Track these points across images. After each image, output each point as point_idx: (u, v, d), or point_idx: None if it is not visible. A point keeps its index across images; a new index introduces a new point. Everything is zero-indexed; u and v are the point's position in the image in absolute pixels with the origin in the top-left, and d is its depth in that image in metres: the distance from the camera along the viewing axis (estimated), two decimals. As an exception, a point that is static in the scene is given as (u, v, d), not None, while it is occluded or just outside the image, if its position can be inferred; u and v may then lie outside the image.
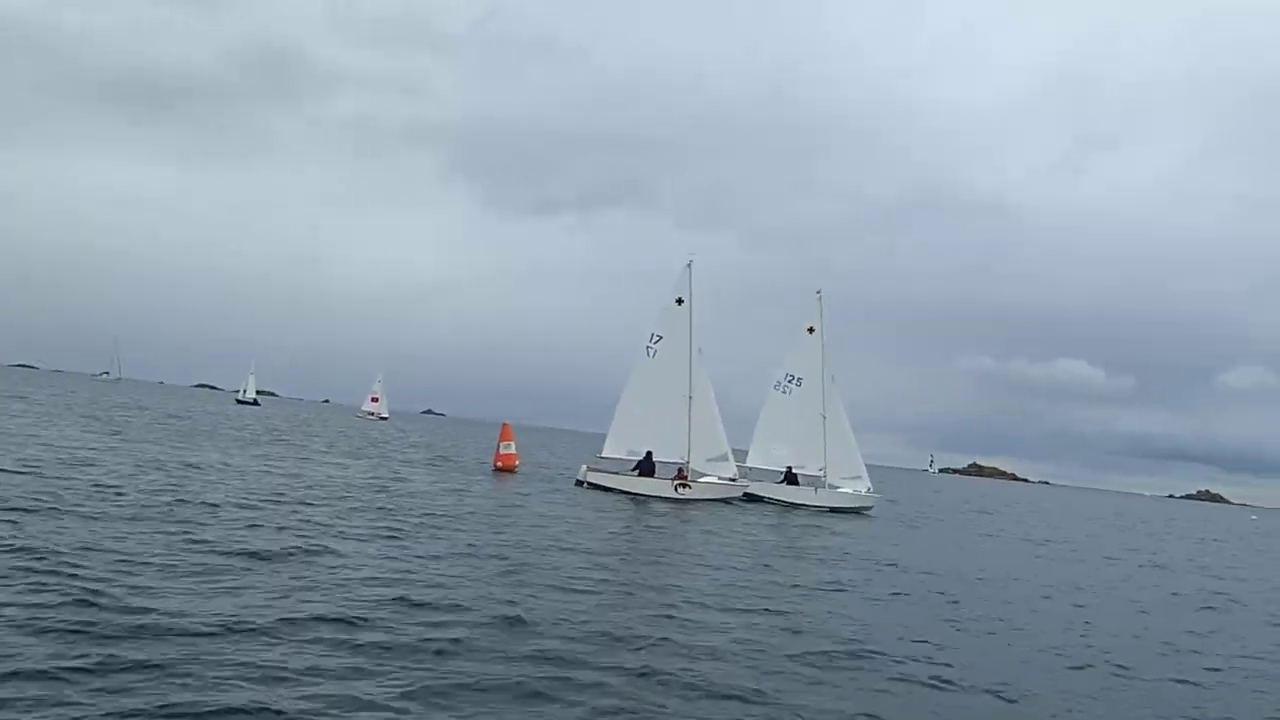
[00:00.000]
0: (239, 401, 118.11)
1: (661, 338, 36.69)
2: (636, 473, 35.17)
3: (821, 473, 36.60)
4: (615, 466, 35.85)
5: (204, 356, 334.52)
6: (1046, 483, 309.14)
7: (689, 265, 37.21)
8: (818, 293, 37.92)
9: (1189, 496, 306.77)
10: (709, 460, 36.23)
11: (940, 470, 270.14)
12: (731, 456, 36.54)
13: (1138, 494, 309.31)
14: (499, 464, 39.49)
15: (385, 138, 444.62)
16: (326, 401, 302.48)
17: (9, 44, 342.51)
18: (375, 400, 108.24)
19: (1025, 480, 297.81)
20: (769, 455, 36.83)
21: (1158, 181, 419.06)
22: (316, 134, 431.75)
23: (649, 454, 35.31)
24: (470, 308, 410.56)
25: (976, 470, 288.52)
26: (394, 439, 63.75)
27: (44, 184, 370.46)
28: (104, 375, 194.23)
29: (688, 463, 35.60)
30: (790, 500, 36.04)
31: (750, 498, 36.05)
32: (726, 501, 35.03)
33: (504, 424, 41.28)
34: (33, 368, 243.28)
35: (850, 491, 36.91)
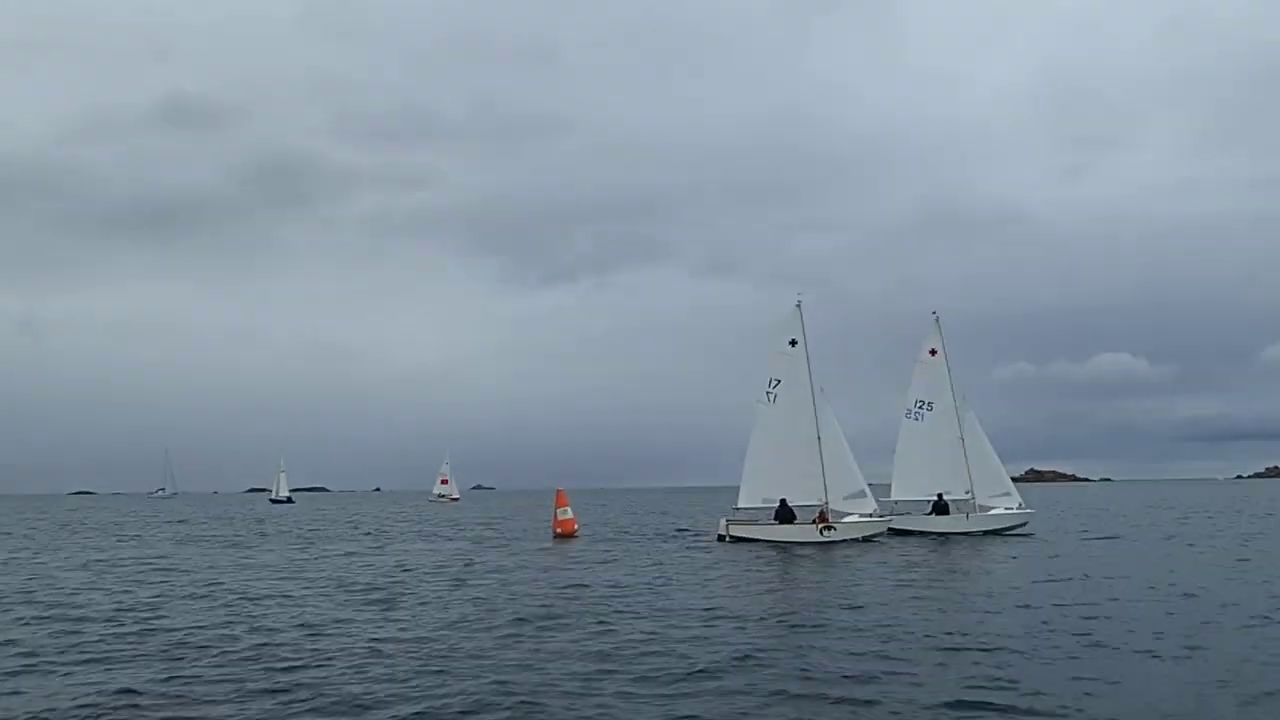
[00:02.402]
0: (273, 501, 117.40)
1: (780, 381, 36.52)
2: (776, 521, 34.87)
3: (969, 495, 36.04)
4: (750, 517, 35.57)
5: (251, 461, 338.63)
6: (1108, 479, 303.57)
7: (798, 305, 37.23)
8: (934, 315, 37.75)
9: (1257, 475, 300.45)
10: (846, 498, 35.75)
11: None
12: (870, 492, 36.09)
13: (1209, 479, 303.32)
14: (559, 530, 39.40)
15: (399, 230, 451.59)
16: (378, 490, 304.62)
17: (15, 184, 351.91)
18: (445, 482, 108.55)
19: (1086, 480, 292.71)
20: (913, 486, 36.38)
21: (1160, 173, 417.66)
22: (331, 235, 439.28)
23: (783, 501, 35.01)
24: (500, 381, 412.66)
25: (1035, 476, 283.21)
26: (484, 519, 63.52)
27: (66, 316, 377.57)
28: (160, 492, 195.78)
29: (826, 503, 35.23)
30: (941, 530, 35.48)
31: (896, 532, 35.56)
32: (870, 539, 34.56)
33: (559, 490, 41.53)
34: (91, 493, 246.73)
35: (1002, 511, 36.29)
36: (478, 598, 18.90)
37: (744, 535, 34.50)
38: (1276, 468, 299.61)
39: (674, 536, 39.77)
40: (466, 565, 26.90)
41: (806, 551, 30.96)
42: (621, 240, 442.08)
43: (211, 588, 21.31)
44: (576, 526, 40.51)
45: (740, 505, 35.75)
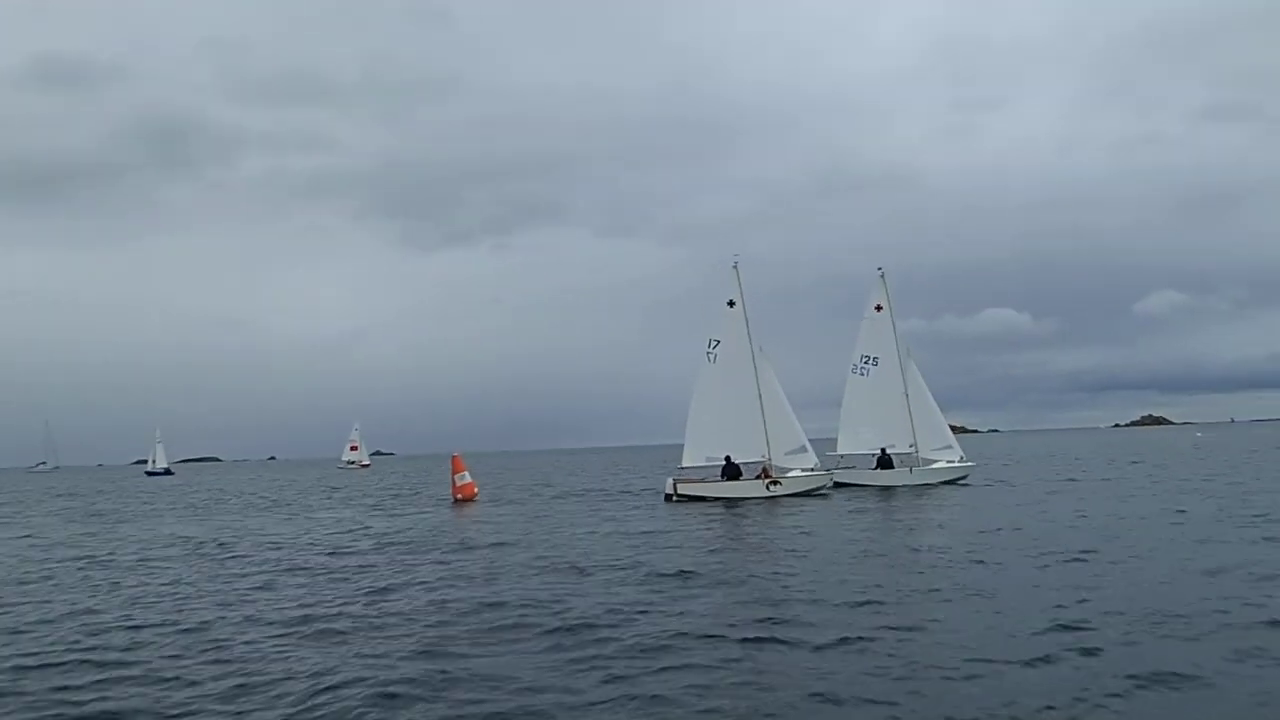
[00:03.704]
0: (149, 474, 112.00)
1: (720, 341, 36.28)
2: (723, 478, 34.81)
3: (913, 449, 36.52)
4: (696, 475, 35.43)
5: (136, 432, 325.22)
6: (996, 430, 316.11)
7: (735, 266, 36.88)
8: (879, 271, 37.92)
9: (1133, 424, 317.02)
10: (788, 454, 35.90)
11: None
12: (810, 447, 36.26)
13: (1091, 428, 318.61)
14: (458, 495, 38.99)
15: (292, 193, 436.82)
16: (273, 459, 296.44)
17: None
18: (354, 448, 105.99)
19: (975, 431, 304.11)
20: (857, 439, 36.69)
21: (1043, 131, 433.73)
22: (220, 199, 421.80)
23: (728, 458, 34.93)
24: (397, 345, 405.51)
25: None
26: (402, 482, 62.01)
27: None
28: (41, 466, 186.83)
29: (769, 459, 35.29)
30: (885, 483, 35.90)
31: (841, 486, 35.86)
32: (815, 493, 34.82)
33: (454, 456, 41.01)
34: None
35: (944, 465, 36.89)
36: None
37: (691, 493, 34.31)
38: (1151, 415, 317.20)
39: (617, 497, 39.37)
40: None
41: (754, 507, 30.95)
42: (521, 201, 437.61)
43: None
44: (476, 490, 40.05)
45: (684, 464, 35.53)
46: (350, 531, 27.10)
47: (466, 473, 39.90)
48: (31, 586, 17.53)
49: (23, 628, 13.04)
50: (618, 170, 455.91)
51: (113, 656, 10.98)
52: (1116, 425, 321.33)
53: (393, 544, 22.84)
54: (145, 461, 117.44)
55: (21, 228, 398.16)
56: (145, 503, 49.64)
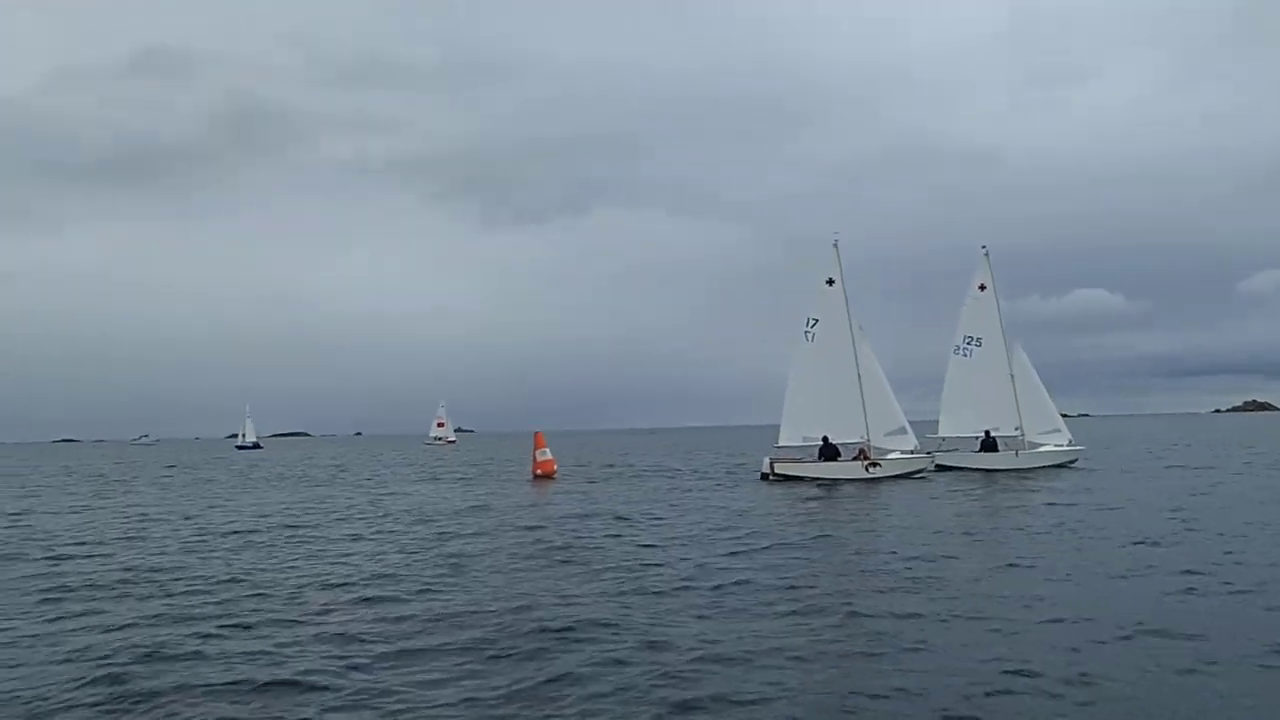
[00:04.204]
0: (239, 448, 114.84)
1: (818, 320, 35.91)
2: (821, 458, 34.53)
3: (1019, 432, 35.66)
4: (792, 455, 35.20)
5: (228, 406, 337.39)
6: (1086, 414, 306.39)
7: (835, 244, 36.43)
8: (984, 250, 36.99)
9: (1235, 409, 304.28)
10: (887, 435, 35.40)
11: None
12: (910, 429, 35.71)
13: (1192, 413, 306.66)
14: (538, 471, 39.26)
15: (372, 175, 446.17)
16: (359, 434, 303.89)
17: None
18: (441, 425, 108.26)
19: (1065, 415, 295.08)
20: (960, 422, 35.93)
21: (1131, 108, 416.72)
22: (305, 181, 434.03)
23: (825, 438, 34.61)
24: (474, 323, 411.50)
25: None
26: (490, 458, 62.87)
27: (43, 263, 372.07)
28: (142, 439, 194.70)
29: (867, 441, 34.86)
30: (988, 467, 35.15)
31: (943, 469, 35.26)
32: (915, 475, 34.30)
33: (536, 433, 41.49)
34: (76, 441, 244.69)
35: (1052, 448, 35.93)
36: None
37: (789, 473, 34.09)
38: (1255, 400, 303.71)
39: (707, 475, 39.38)
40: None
41: (852, 488, 30.65)
42: (593, 180, 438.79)
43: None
44: (556, 467, 40.40)
45: (781, 443, 35.35)
46: (476, 504, 27.60)
47: (547, 449, 40.38)
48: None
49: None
50: (686, 148, 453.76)
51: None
52: (1217, 410, 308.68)
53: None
54: (237, 435, 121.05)
55: (122, 207, 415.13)
56: (283, 474, 51.11)
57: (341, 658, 9.32)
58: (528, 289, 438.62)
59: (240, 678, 8.62)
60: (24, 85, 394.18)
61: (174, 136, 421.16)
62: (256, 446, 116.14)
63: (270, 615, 11.48)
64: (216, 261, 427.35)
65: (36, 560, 16.97)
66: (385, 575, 14.32)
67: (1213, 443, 64.58)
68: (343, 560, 16.17)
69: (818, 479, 33.27)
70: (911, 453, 35.16)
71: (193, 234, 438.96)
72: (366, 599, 12.43)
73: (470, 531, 20.45)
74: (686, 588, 12.88)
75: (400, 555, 16.66)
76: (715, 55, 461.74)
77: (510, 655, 9.34)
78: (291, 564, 15.86)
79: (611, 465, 51.77)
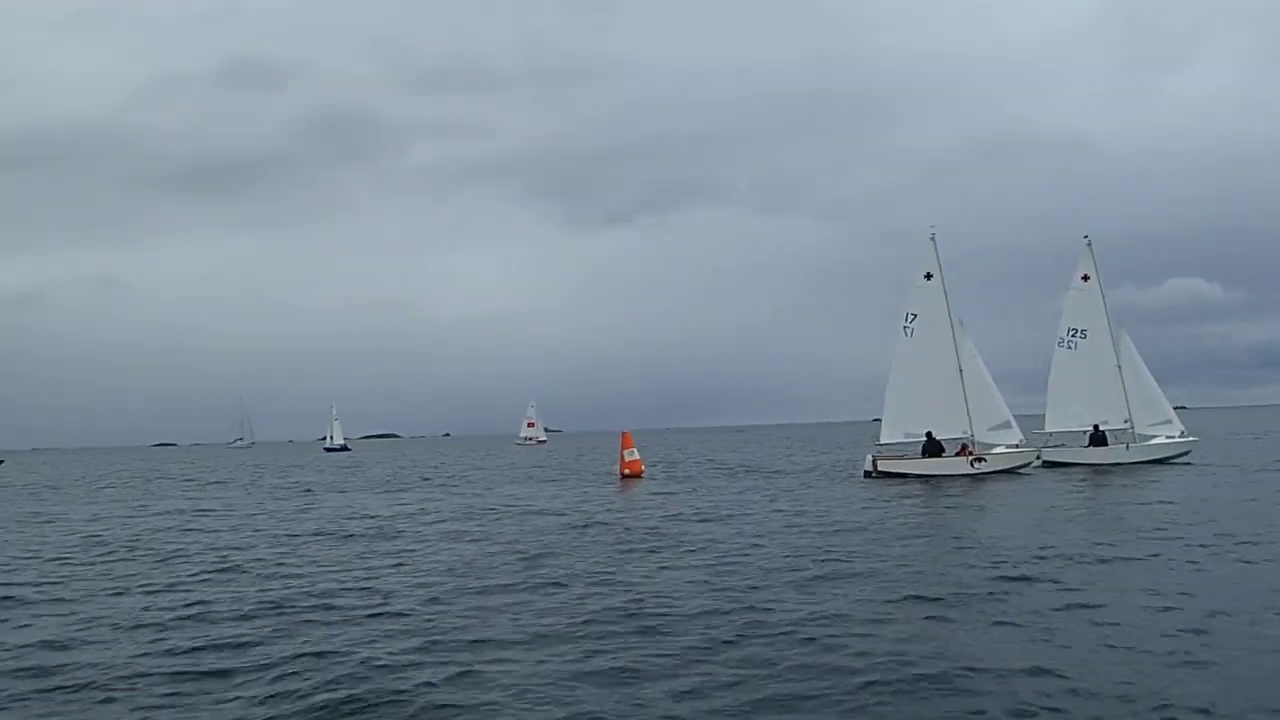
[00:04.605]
0: (327, 450, 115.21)
1: (916, 315, 35.80)
2: (924, 454, 34.47)
3: (1128, 425, 35.13)
4: (894, 452, 35.19)
5: (320, 409, 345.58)
6: (1183, 406, 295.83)
7: (932, 238, 36.28)
8: (1086, 239, 36.52)
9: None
10: (991, 429, 35.16)
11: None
12: (1014, 423, 35.43)
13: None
14: (626, 470, 39.56)
15: (458, 179, 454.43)
16: (448, 435, 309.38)
17: (92, 146, 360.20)
18: (531, 425, 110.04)
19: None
20: (1066, 416, 35.49)
21: (1225, 92, 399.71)
22: (392, 186, 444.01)
23: (929, 434, 34.53)
24: (560, 324, 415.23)
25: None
26: (581, 457, 63.66)
27: (137, 272, 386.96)
28: (238, 442, 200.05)
29: (971, 436, 34.70)
30: (1098, 461, 34.70)
31: (1051, 465, 34.95)
32: (1020, 470, 34.05)
33: (624, 433, 41.80)
34: (173, 445, 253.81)
35: (1164, 441, 35.30)
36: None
37: (892, 470, 34.10)
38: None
39: (803, 473, 39.53)
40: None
41: (957, 485, 30.53)
42: (678, 180, 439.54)
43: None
44: (643, 467, 40.77)
45: (882, 440, 35.36)
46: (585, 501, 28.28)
47: (635, 449, 40.83)
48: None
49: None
50: (773, 146, 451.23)
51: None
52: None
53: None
54: (325, 438, 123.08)
55: (215, 216, 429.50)
56: (390, 475, 52.73)
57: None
58: (614, 289, 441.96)
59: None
60: (118, 98, 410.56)
61: (264, 146, 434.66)
62: (345, 449, 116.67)
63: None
64: (307, 267, 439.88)
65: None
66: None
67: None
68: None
69: (922, 476, 33.25)
70: (1017, 447, 34.93)
71: (284, 241, 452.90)
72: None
73: (562, 527, 21.30)
74: (800, 575, 13.46)
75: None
76: (800, 50, 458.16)
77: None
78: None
79: (709, 460, 52.19)
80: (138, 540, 21.17)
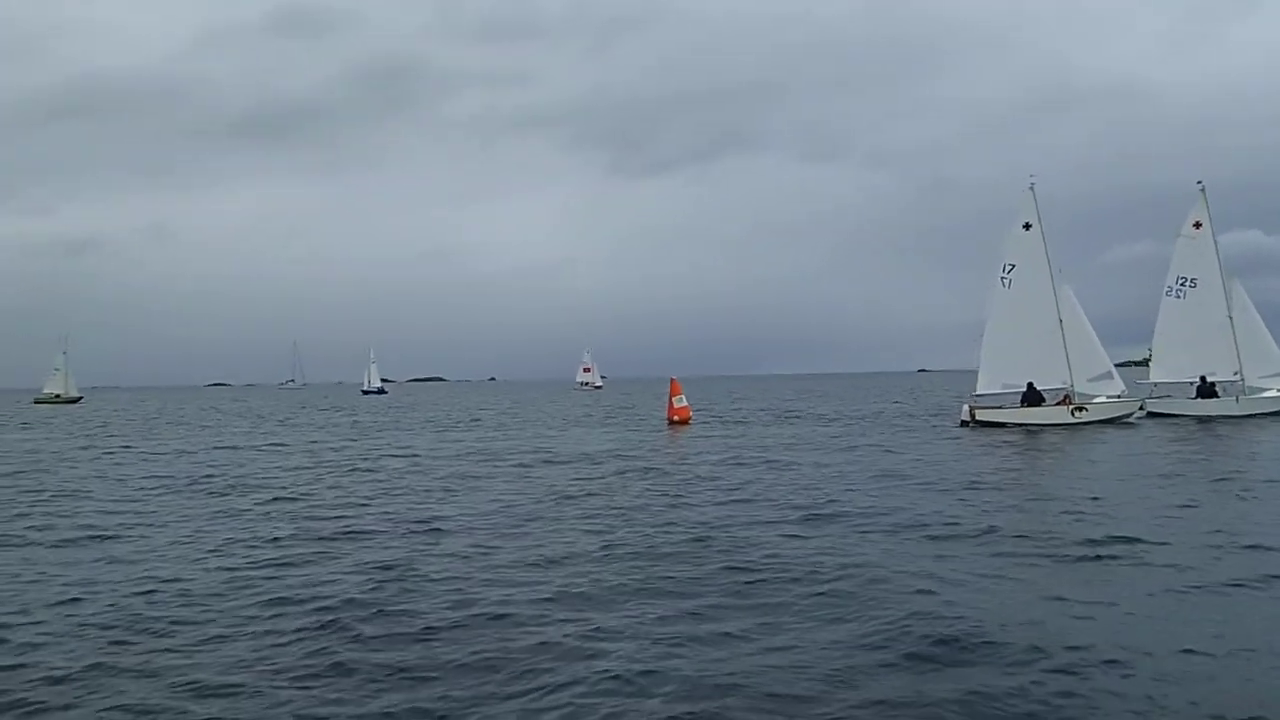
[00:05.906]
0: (364, 392, 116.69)
1: (1015, 265, 35.40)
2: (1024, 404, 34.33)
3: (1238, 377, 34.62)
4: (991, 402, 35.05)
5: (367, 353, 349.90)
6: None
7: (1031, 188, 35.73)
8: (1200, 185, 35.65)
9: None
10: (1091, 380, 34.92)
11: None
12: (1116, 373, 35.10)
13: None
14: (674, 417, 39.77)
15: (505, 127, 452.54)
16: (493, 379, 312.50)
17: (145, 96, 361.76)
18: (588, 370, 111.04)
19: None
20: (1173, 367, 35.07)
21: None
22: (441, 134, 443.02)
23: (1030, 384, 34.30)
24: (607, 271, 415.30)
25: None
26: (643, 405, 63.74)
27: (191, 218, 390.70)
28: (290, 383, 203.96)
29: (1071, 386, 34.45)
30: (1204, 414, 34.30)
31: (1155, 415, 34.63)
32: (1123, 420, 33.82)
33: (672, 379, 41.85)
34: (228, 385, 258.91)
35: (1276, 393, 34.71)
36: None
37: (990, 419, 34.01)
38: None
39: (889, 421, 39.50)
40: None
41: (1057, 435, 30.36)
42: (724, 128, 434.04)
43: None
44: (691, 414, 40.97)
45: (979, 391, 35.23)
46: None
47: (683, 395, 41.06)
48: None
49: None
50: (820, 95, 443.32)
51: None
52: None
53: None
54: (383, 380, 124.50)
55: (266, 164, 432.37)
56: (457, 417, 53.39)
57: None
58: (661, 238, 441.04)
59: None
60: (171, 49, 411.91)
61: (314, 95, 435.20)
62: (381, 391, 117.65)
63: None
64: (357, 214, 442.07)
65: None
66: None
67: None
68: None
69: (1022, 424, 33.13)
70: (1119, 397, 34.64)
71: (334, 189, 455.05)
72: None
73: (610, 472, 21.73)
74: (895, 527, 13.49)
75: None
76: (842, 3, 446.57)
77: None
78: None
79: (765, 408, 52.09)
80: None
